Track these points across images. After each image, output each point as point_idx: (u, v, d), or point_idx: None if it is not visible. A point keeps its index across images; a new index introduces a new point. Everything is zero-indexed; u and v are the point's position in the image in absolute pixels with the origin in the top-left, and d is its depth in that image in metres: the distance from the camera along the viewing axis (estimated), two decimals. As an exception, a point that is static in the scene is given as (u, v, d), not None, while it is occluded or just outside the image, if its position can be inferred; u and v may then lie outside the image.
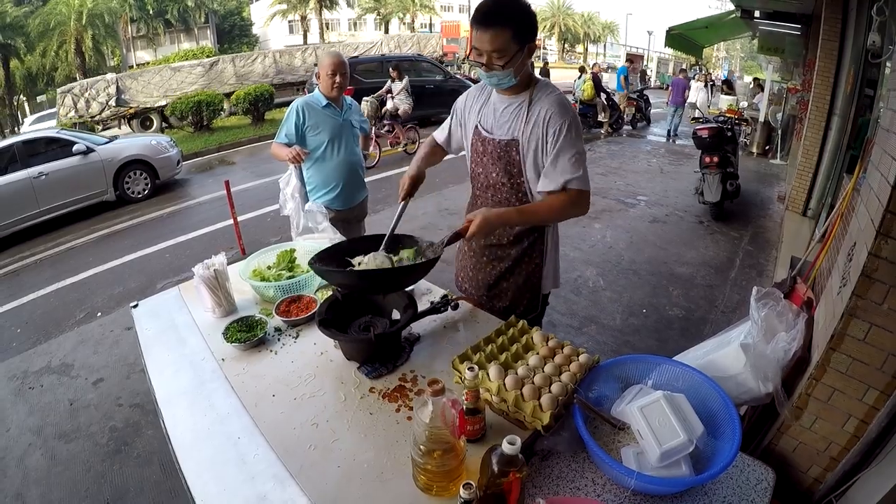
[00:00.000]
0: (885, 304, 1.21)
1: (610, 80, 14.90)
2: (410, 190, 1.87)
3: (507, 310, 1.95)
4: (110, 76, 15.09)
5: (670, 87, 12.36)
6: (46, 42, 25.03)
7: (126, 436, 2.98)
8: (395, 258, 1.67)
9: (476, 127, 1.85)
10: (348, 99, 3.12)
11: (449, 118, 2.04)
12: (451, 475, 1.11)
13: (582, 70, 13.34)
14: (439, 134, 2.08)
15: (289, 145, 2.88)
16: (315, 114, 2.93)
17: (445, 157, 2.14)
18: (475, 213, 1.60)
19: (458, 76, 15.28)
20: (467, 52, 1.71)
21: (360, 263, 1.64)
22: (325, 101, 2.95)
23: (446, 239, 1.62)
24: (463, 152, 2.04)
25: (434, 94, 13.07)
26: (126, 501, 2.55)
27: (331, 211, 2.81)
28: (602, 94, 11.75)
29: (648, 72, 26.57)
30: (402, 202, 1.82)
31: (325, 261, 1.67)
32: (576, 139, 1.68)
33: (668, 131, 11.81)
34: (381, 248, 1.69)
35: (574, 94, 12.17)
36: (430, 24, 41.95)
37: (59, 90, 14.93)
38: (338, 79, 2.90)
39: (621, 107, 12.79)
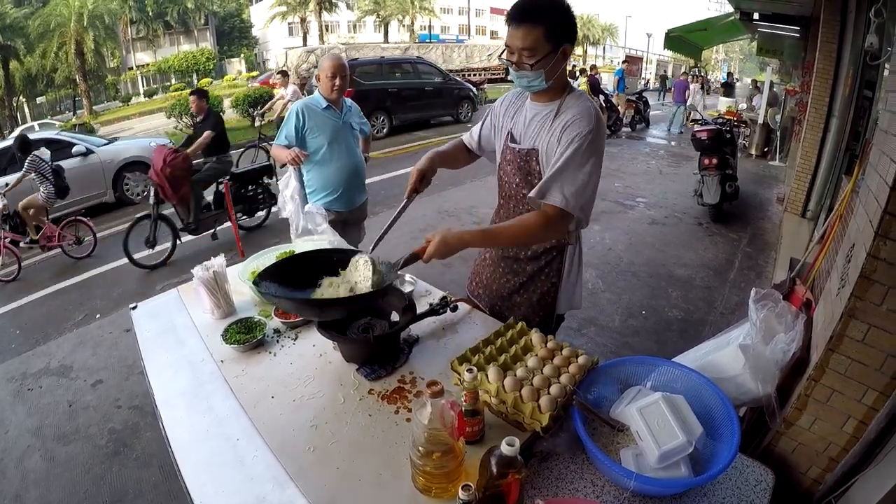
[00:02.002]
0: (884, 305, 1.21)
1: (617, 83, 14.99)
2: (417, 185, 1.74)
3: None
4: (342, 46, 20.88)
5: (673, 88, 12.98)
6: (46, 43, 25.03)
7: (125, 437, 2.97)
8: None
9: (509, 133, 1.78)
10: (348, 101, 3.12)
11: (483, 119, 1.93)
12: (449, 476, 1.11)
13: (581, 72, 13.49)
14: (468, 135, 1.98)
15: (289, 147, 2.89)
16: (315, 116, 2.93)
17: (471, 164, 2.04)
18: (435, 233, 1.52)
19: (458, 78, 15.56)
20: (501, 52, 1.62)
21: (322, 285, 1.58)
22: (324, 104, 2.96)
23: (402, 260, 1.54)
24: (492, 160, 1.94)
25: (433, 97, 13.12)
26: (124, 503, 2.54)
27: (331, 213, 2.82)
28: (600, 95, 11.79)
29: (647, 75, 26.75)
30: (406, 199, 1.72)
31: (280, 275, 1.60)
32: (587, 155, 1.56)
33: (669, 128, 12.70)
34: (370, 251, 1.62)
35: None
36: (430, 27, 41.98)
37: (303, 48, 20.29)
38: (337, 81, 2.90)
39: (620, 109, 12.89)
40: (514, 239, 1.67)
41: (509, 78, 1.69)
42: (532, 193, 1.60)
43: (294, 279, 1.61)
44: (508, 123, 1.79)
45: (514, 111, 1.79)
